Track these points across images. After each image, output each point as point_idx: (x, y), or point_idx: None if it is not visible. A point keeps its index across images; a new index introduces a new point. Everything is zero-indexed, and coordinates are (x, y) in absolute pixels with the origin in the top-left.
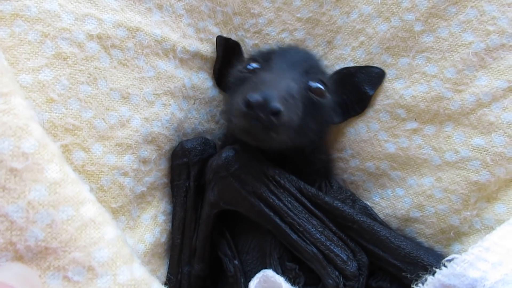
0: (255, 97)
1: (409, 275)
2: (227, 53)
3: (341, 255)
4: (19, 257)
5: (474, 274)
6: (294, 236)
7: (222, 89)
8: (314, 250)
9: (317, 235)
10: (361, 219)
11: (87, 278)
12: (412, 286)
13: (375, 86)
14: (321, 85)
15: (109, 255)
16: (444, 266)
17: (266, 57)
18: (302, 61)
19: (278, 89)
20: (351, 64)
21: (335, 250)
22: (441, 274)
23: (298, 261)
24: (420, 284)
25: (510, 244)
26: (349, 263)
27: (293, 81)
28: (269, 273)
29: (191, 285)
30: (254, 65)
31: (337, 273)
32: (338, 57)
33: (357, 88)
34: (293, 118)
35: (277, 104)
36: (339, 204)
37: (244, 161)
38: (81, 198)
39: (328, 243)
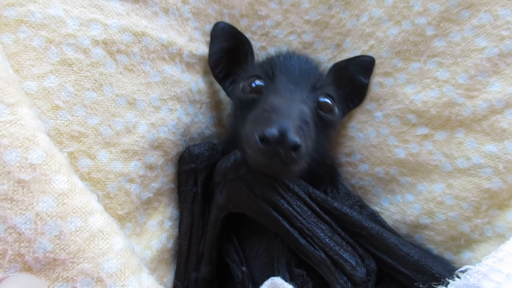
0: (272, 132)
1: (420, 285)
2: (233, 46)
3: (350, 261)
4: (27, 269)
5: (488, 285)
6: (302, 241)
7: (219, 81)
8: (323, 255)
9: (326, 240)
10: (370, 225)
11: None
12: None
13: (368, 74)
14: (329, 100)
15: (117, 265)
16: (458, 277)
17: (268, 73)
18: (307, 74)
19: (292, 118)
20: None
21: (344, 255)
22: (455, 286)
23: (306, 267)
24: None
25: None
26: (358, 268)
27: (304, 103)
28: (277, 280)
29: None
30: (258, 82)
31: (345, 278)
32: None
33: (352, 80)
34: (310, 146)
35: (295, 139)
36: (348, 210)
37: None
38: (89, 208)
39: (337, 248)
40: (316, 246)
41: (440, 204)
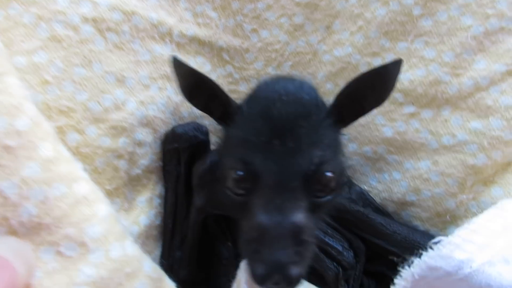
0: (262, 273)
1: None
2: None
3: (337, 247)
4: (13, 232)
5: (461, 255)
6: None
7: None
8: None
9: None
10: (354, 208)
11: (80, 253)
12: (399, 268)
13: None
14: (329, 196)
15: (101, 231)
16: (431, 248)
17: (248, 159)
18: (297, 134)
19: (286, 246)
20: (350, 49)
21: (330, 242)
22: (428, 256)
23: None
24: (406, 267)
25: (498, 226)
26: (345, 253)
27: (298, 209)
28: None
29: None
30: (240, 190)
31: (335, 264)
32: (337, 42)
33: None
34: (310, 255)
35: (295, 275)
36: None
37: None
38: (74, 176)
39: (322, 235)
40: None
41: (426, 181)
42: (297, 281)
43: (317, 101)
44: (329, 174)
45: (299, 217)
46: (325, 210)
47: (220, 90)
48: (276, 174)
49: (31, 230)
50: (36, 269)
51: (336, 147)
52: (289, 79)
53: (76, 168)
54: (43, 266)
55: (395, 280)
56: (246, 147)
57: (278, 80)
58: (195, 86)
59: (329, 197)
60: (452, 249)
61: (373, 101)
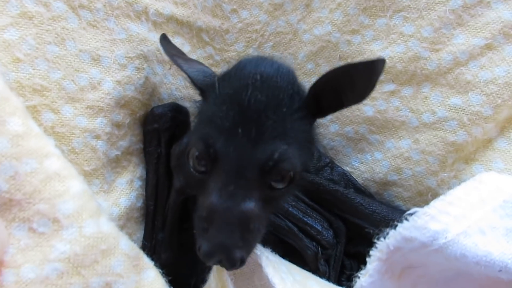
0: (207, 251)
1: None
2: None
3: (316, 226)
4: None
5: (436, 226)
6: None
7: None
8: (289, 224)
9: (290, 209)
10: (334, 188)
11: (53, 230)
12: (373, 240)
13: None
14: (283, 182)
15: (74, 207)
16: (406, 219)
17: (210, 144)
18: (256, 158)
19: (233, 231)
20: (329, 27)
21: (308, 221)
22: (402, 227)
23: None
24: (382, 238)
25: (474, 199)
26: (324, 233)
27: (249, 198)
28: None
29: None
30: (199, 167)
31: (314, 243)
32: (316, 20)
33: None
34: (257, 238)
35: (237, 258)
36: (311, 177)
37: None
38: (45, 151)
39: (300, 215)
40: (280, 216)
41: (407, 160)
42: (239, 263)
43: (292, 89)
44: (286, 169)
45: (249, 206)
46: (281, 200)
47: (183, 67)
48: (234, 161)
49: (2, 206)
50: (8, 245)
51: (305, 139)
52: (268, 62)
53: (47, 144)
54: (16, 243)
55: (371, 252)
56: (211, 127)
57: (257, 62)
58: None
59: (284, 190)
60: (427, 220)
61: (352, 97)
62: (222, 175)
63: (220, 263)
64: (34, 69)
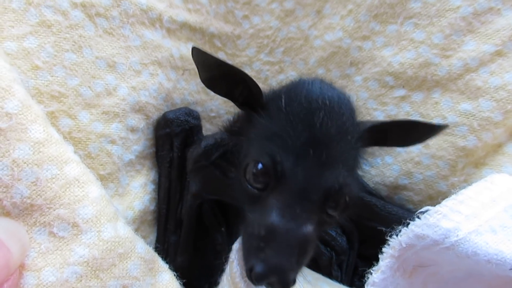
0: (260, 272)
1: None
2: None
3: (330, 232)
4: (6, 214)
5: (447, 224)
6: None
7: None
8: None
9: None
10: None
11: (72, 234)
12: (386, 238)
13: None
14: (340, 208)
15: (93, 212)
16: (418, 217)
17: (277, 163)
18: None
19: (289, 254)
20: (340, 33)
21: None
22: (415, 225)
23: None
24: (394, 236)
25: (485, 198)
26: (338, 238)
27: (309, 221)
28: None
29: (178, 253)
30: (259, 185)
31: (328, 249)
32: (327, 26)
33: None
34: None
35: (291, 281)
36: None
37: (224, 149)
38: (65, 158)
39: None
40: None
41: (417, 164)
42: (292, 284)
43: (353, 118)
44: (347, 196)
45: (310, 229)
46: (328, 226)
47: (247, 76)
48: (301, 182)
49: (23, 211)
50: (29, 249)
51: (357, 167)
52: (330, 87)
53: (66, 151)
54: (37, 247)
55: (383, 249)
56: (278, 144)
57: (320, 86)
58: (218, 75)
59: (338, 216)
60: (439, 218)
61: (397, 142)
62: (287, 195)
63: (271, 285)
64: (52, 76)
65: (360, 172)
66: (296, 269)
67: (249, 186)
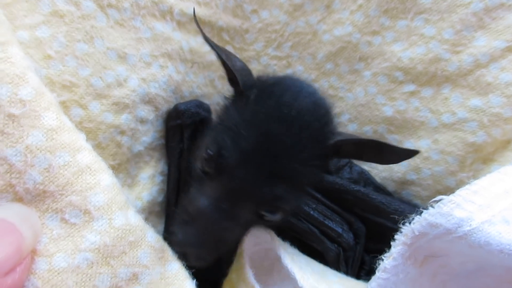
0: (182, 244)
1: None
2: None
3: (336, 229)
4: (19, 199)
5: (461, 214)
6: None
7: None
8: (311, 227)
9: (311, 212)
10: (355, 188)
11: (84, 221)
12: (399, 225)
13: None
14: (274, 216)
15: (104, 200)
16: (431, 206)
17: (231, 144)
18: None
19: (209, 240)
20: (350, 28)
21: (329, 224)
22: (428, 213)
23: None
24: (407, 224)
25: (498, 189)
26: (345, 235)
27: (234, 223)
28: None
29: None
30: (208, 168)
31: (335, 245)
32: (337, 21)
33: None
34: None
35: (202, 259)
36: (331, 178)
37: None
38: (77, 145)
39: (321, 218)
40: (302, 220)
41: (426, 159)
42: (201, 263)
43: (321, 134)
44: (280, 209)
45: (231, 226)
46: (262, 226)
47: (224, 60)
48: (238, 182)
49: (36, 197)
50: (41, 235)
51: (309, 182)
52: (309, 97)
53: (79, 138)
54: (49, 233)
55: (395, 236)
56: (230, 137)
57: (299, 92)
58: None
59: (272, 222)
60: (453, 207)
61: (372, 160)
62: (220, 189)
63: (183, 255)
64: (64, 66)
65: (366, 167)
66: (211, 252)
67: (197, 167)
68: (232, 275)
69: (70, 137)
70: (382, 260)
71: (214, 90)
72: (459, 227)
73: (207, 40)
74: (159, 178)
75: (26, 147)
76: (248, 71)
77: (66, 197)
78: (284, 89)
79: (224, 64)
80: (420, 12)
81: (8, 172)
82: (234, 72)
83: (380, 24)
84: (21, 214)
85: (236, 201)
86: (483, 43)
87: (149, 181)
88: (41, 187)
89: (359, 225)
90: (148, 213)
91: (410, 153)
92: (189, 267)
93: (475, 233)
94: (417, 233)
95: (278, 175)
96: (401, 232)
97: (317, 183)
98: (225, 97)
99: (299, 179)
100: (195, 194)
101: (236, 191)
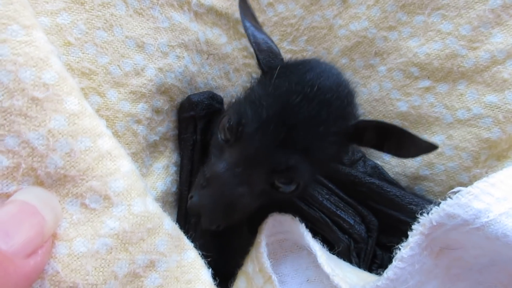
0: (196, 209)
1: None
2: None
3: (348, 220)
4: (40, 183)
5: (479, 205)
6: (301, 204)
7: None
8: (323, 216)
9: (324, 202)
10: (370, 181)
11: (103, 206)
12: (416, 215)
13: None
14: (289, 184)
15: (124, 186)
16: (449, 197)
17: (250, 119)
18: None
19: (214, 208)
20: (366, 23)
21: (341, 215)
22: (446, 204)
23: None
24: (425, 214)
25: None
26: (356, 227)
27: (247, 190)
28: (277, 215)
29: (198, 235)
30: (228, 136)
31: (346, 236)
32: (353, 16)
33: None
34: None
35: (212, 225)
36: (347, 170)
37: None
38: (98, 131)
39: (334, 208)
40: (315, 208)
41: (439, 155)
42: (215, 228)
43: (340, 113)
44: (293, 179)
45: (244, 191)
46: (276, 197)
47: (251, 41)
48: (253, 150)
49: (57, 181)
50: (62, 219)
51: (325, 158)
52: (332, 77)
53: (99, 124)
54: (69, 217)
55: (413, 226)
56: (252, 109)
57: (322, 72)
58: None
59: (287, 194)
60: (471, 198)
61: (393, 152)
62: (238, 156)
63: (199, 217)
64: (83, 53)
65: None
66: (220, 217)
67: (218, 135)
68: (247, 266)
69: (91, 123)
70: (399, 249)
71: (229, 83)
72: (476, 218)
73: (243, 20)
74: (173, 169)
75: (49, 131)
76: (275, 53)
77: (87, 182)
78: (309, 68)
79: (252, 45)
80: (438, 8)
81: (31, 156)
82: (256, 52)
83: (396, 19)
84: (42, 197)
85: (251, 166)
86: (500, 40)
87: (163, 171)
88: (62, 172)
89: (372, 219)
90: (162, 203)
91: (429, 148)
92: (204, 256)
93: (492, 224)
94: (435, 223)
95: (294, 145)
96: (418, 222)
97: (334, 160)
98: (252, 77)
99: (314, 152)
100: (214, 160)
101: (252, 157)
